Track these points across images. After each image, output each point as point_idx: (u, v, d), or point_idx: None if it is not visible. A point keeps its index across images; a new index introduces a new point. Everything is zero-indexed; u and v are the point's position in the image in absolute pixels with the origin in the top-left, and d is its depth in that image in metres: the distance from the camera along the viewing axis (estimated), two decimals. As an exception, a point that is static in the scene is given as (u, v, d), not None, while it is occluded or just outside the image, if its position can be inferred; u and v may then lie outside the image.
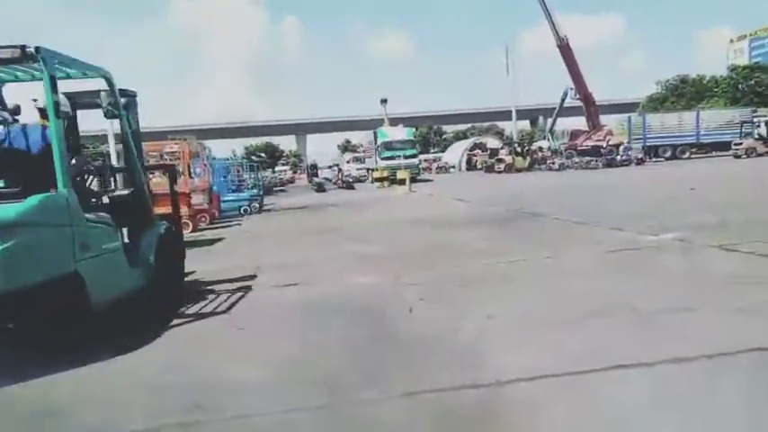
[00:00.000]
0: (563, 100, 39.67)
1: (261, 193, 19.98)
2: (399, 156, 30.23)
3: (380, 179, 26.74)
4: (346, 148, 79.38)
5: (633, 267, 5.14)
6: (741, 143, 29.54)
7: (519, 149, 36.04)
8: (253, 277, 5.93)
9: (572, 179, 22.15)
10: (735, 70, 56.33)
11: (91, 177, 4.71)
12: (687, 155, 34.47)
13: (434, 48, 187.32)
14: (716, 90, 55.08)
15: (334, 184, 33.90)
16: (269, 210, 18.28)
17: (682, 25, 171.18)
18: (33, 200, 3.44)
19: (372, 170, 31.85)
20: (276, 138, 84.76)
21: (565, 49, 36.55)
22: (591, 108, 37.87)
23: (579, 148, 35.84)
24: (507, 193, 16.25)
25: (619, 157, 31.58)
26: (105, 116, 4.75)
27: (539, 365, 2.81)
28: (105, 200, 4.57)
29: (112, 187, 5.15)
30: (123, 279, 4.23)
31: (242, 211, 16.53)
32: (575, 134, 39.60)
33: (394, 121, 38.67)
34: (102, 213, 4.20)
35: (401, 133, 32.84)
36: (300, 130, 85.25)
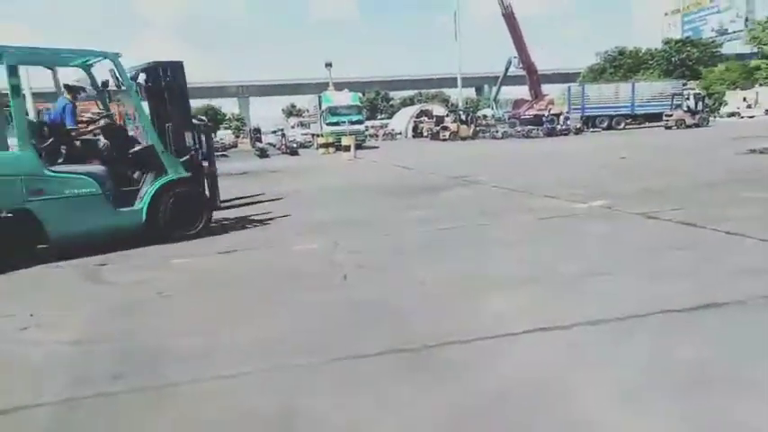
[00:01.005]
0: (507, 69, 40.04)
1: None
2: (345, 121, 29.79)
3: (325, 145, 26.37)
4: (291, 112, 77.66)
5: (561, 234, 5.34)
6: (671, 115, 30.95)
7: (464, 118, 36.32)
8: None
9: (513, 147, 22.62)
10: (668, 43, 58.67)
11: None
12: (622, 125, 35.87)
13: (381, 11, 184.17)
14: (651, 62, 57.26)
15: (278, 149, 33.18)
16: (208, 175, 17.69)
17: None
18: None
19: (317, 136, 31.32)
20: (218, 100, 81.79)
21: (509, 18, 36.72)
22: (533, 77, 38.47)
23: (522, 117, 36.49)
24: (450, 161, 16.42)
25: (559, 127, 32.43)
26: (118, 88, 5.91)
27: (465, 330, 2.88)
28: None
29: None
30: (101, 218, 5.47)
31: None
32: (518, 103, 40.27)
33: (339, 86, 37.97)
34: (93, 168, 5.61)
35: (346, 98, 32.28)
36: (243, 92, 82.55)
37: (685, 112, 30.91)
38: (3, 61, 5.10)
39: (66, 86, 6.46)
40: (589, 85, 42.22)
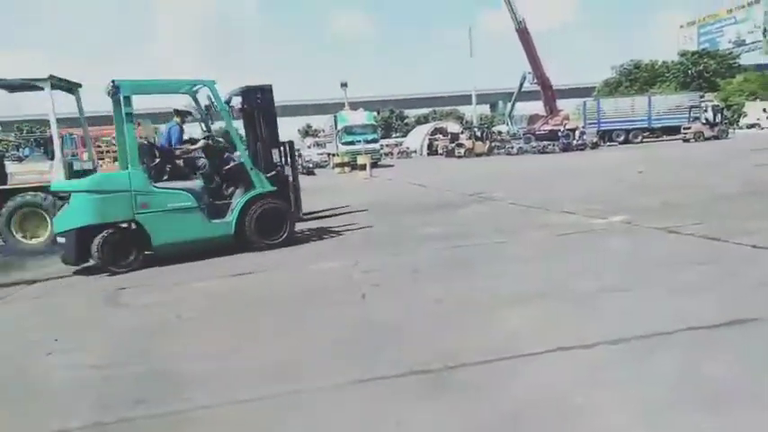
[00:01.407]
0: (521, 84, 40.17)
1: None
2: (360, 140, 30.01)
3: (341, 164, 26.52)
4: (307, 132, 78.46)
5: (580, 250, 5.27)
6: (690, 127, 30.64)
7: (479, 134, 36.38)
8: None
9: (529, 163, 22.54)
10: (684, 56, 58.30)
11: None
12: (639, 139, 35.56)
13: (395, 32, 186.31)
14: (667, 75, 56.92)
15: (295, 169, 33.45)
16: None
17: (636, 10, 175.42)
18: (104, 176, 6.25)
19: (333, 155, 31.55)
20: (236, 122, 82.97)
21: (523, 33, 36.93)
22: (548, 92, 38.51)
23: (537, 132, 36.41)
24: (465, 178, 16.40)
25: (575, 142, 32.26)
26: (215, 111, 6.73)
27: (485, 349, 2.85)
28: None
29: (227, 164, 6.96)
30: (197, 229, 6.19)
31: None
32: (533, 118, 40.33)
33: (355, 106, 38.35)
34: (190, 183, 6.40)
35: (361, 117, 32.56)
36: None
37: (703, 124, 30.58)
38: (120, 92, 5.98)
39: (176, 111, 7.30)
40: (604, 99, 42.09)
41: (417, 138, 54.16)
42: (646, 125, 36.02)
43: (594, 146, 32.41)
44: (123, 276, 5.75)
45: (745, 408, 2.11)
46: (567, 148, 31.25)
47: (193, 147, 7.11)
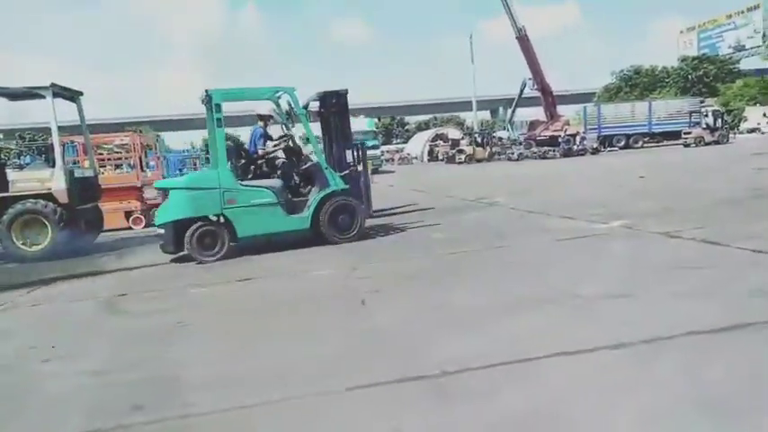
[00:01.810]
0: (522, 90, 40.24)
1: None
2: (361, 147, 30.03)
3: (342, 171, 26.55)
4: (308, 139, 78.56)
5: (581, 255, 5.25)
6: (690, 132, 30.67)
7: (479, 140, 36.41)
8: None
9: (529, 169, 22.54)
10: (684, 61, 58.48)
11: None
12: (640, 144, 35.58)
13: (396, 38, 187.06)
14: (667, 80, 57.06)
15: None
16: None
17: (635, 15, 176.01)
18: (198, 174, 6.71)
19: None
20: (238, 129, 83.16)
21: (523, 41, 37.05)
22: (549, 98, 38.56)
23: (538, 138, 36.48)
24: (466, 184, 16.42)
25: (575, 147, 32.28)
26: (288, 116, 7.29)
27: (484, 354, 2.83)
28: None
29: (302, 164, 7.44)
30: (277, 223, 6.71)
31: (198, 205, 16.19)
32: (533, 124, 40.33)
33: (355, 113, 38.37)
34: (271, 182, 6.92)
35: (362, 124, 32.58)
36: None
37: (704, 129, 30.60)
38: (211, 100, 6.61)
39: (259, 115, 7.77)
40: (605, 104, 42.15)
41: (418, 144, 54.22)
42: (646, 130, 36.04)
43: (595, 151, 32.42)
44: (124, 281, 5.75)
45: (745, 414, 2.09)
46: (567, 154, 31.27)
47: (274, 148, 7.57)
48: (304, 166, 7.35)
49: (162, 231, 6.64)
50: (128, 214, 11.69)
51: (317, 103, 7.62)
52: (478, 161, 33.34)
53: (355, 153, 7.67)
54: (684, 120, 33.12)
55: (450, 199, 11.86)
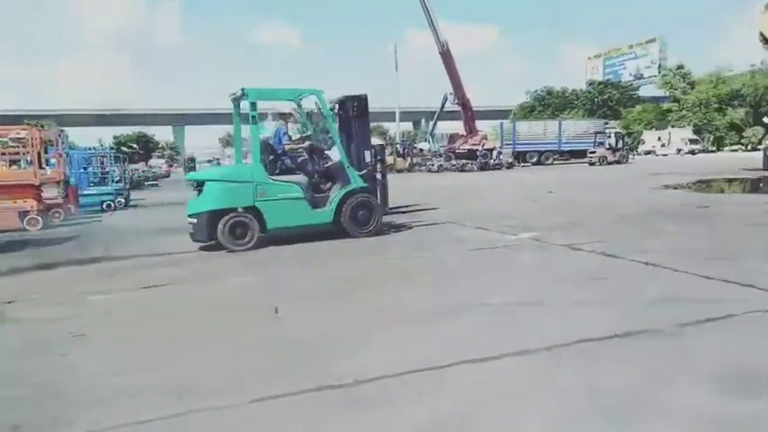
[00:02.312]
0: (443, 104, 41.33)
1: (127, 187, 18.50)
2: (283, 152, 29.55)
3: (262, 175, 25.97)
4: (228, 141, 76.39)
5: (491, 265, 5.46)
6: (595, 152, 32.87)
7: (400, 150, 36.96)
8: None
9: (448, 180, 23.19)
10: (591, 85, 62.85)
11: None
12: (551, 161, 37.68)
13: (321, 43, 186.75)
14: (576, 102, 60.97)
15: (214, 179, 32.38)
16: (136, 206, 16.99)
17: (550, 39, 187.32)
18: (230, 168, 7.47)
19: (254, 165, 30.81)
20: (152, 128, 79.22)
21: (445, 56, 38.08)
22: (468, 113, 39.86)
23: (457, 150, 37.59)
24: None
25: (492, 161, 33.62)
26: (310, 117, 8.12)
27: (394, 363, 2.84)
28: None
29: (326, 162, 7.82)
30: (303, 216, 7.11)
31: (104, 207, 15.19)
32: (453, 137, 41.48)
33: (278, 117, 37.73)
34: (297, 177, 7.28)
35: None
36: (178, 120, 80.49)
37: (607, 149, 32.91)
38: (246, 98, 6.92)
39: (279, 114, 8.16)
40: (520, 122, 44.30)
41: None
42: (556, 148, 38.26)
43: (510, 166, 33.93)
44: (14, 286, 5.26)
45: (637, 416, 2.23)
46: (484, 167, 32.49)
47: (298, 146, 7.84)
48: (326, 165, 7.75)
49: (194, 221, 6.92)
50: (22, 214, 10.75)
51: (336, 106, 7.97)
52: (399, 171, 33.84)
53: (373, 154, 8.00)
54: (590, 140, 35.46)
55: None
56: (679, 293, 3.96)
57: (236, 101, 7.20)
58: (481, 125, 43.90)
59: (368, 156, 7.79)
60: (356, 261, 5.97)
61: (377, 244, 7.00)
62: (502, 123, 41.40)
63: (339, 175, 7.50)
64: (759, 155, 21.41)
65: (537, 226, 7.59)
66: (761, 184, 14.44)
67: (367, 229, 7.41)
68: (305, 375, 2.74)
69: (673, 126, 50.58)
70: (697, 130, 49.59)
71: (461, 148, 37.70)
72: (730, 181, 15.41)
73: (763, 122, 41.83)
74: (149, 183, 35.81)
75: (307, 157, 7.73)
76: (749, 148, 44.95)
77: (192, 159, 44.57)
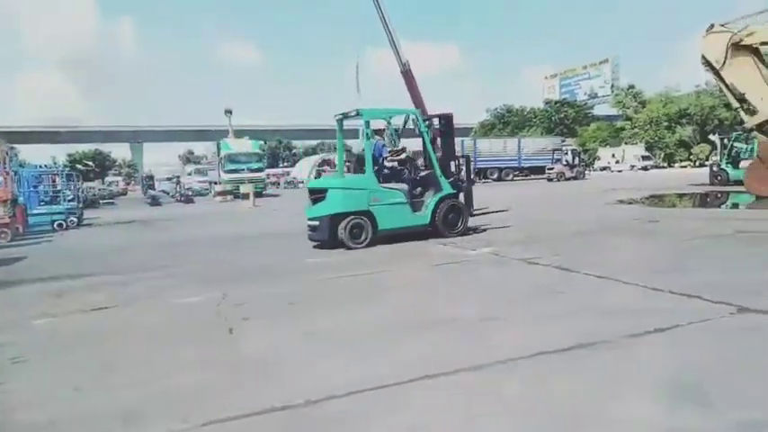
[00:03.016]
0: (405, 122, 41.70)
1: (80, 205, 17.86)
2: (244, 169, 29.24)
3: (223, 193, 25.60)
4: (188, 159, 75.15)
5: (452, 280, 5.49)
6: (553, 168, 33.70)
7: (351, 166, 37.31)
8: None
9: (412, 197, 23.32)
10: (549, 104, 64.71)
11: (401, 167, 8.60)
12: (510, 177, 38.45)
13: (285, 62, 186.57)
14: (534, 120, 62.55)
15: (173, 197, 31.76)
16: (90, 224, 16.43)
17: (509, 59, 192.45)
18: (350, 177, 8.17)
19: (215, 183, 30.38)
20: (109, 145, 77.09)
21: (407, 75, 38.49)
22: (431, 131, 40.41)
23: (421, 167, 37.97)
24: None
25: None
26: (397, 132, 9.21)
27: (351, 382, 2.81)
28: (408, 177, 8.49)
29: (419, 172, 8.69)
30: (405, 219, 8.12)
31: (56, 226, 14.63)
32: (416, 154, 41.92)
33: (240, 134, 37.46)
34: (400, 185, 8.24)
35: (246, 146, 31.85)
36: (136, 138, 78.64)
37: (565, 165, 33.79)
38: (361, 117, 8.09)
39: (375, 131, 8.69)
40: (480, 139, 45.11)
41: (305, 168, 53.92)
42: (516, 164, 39.09)
43: (472, 182, 34.37)
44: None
45: (588, 427, 2.26)
46: (447, 184, 32.85)
47: (397, 158, 8.66)
48: (421, 174, 8.62)
49: (315, 224, 8.00)
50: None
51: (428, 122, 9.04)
52: None
53: (458, 164, 9.05)
54: (548, 157, 36.37)
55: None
56: (629, 305, 4.06)
57: (342, 120, 8.41)
58: (443, 142, 44.50)
59: (452, 165, 8.80)
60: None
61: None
62: (463, 141, 41.95)
63: (432, 183, 8.45)
64: (706, 171, 22.43)
65: (496, 241, 7.70)
66: (708, 199, 15.08)
67: (456, 229, 8.37)
68: (260, 397, 2.68)
69: (626, 143, 52.43)
70: (649, 147, 51.53)
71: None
72: (681, 196, 16.04)
73: (709, 140, 43.85)
74: (105, 201, 34.76)
75: (404, 167, 8.66)
76: (697, 164, 46.93)
77: (151, 177, 43.61)
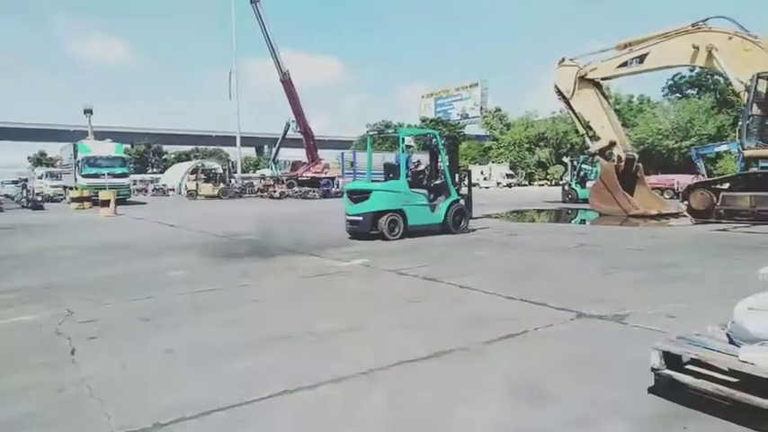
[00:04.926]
0: (285, 131, 41.19)
1: None
2: (105, 174, 26.82)
3: (79, 199, 23.21)
4: (40, 161, 67.50)
5: (321, 291, 5.46)
6: (428, 183, 35.33)
7: (205, 177, 36.59)
8: None
9: (288, 207, 22.99)
10: (425, 121, 67.80)
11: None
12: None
13: (157, 63, 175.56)
14: (411, 137, 65.05)
15: (18, 202, 28.28)
16: None
17: (388, 76, 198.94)
18: (389, 182, 9.90)
19: (70, 188, 27.51)
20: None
21: (287, 84, 38.16)
22: (310, 141, 40.18)
23: (300, 178, 37.61)
24: (221, 218, 15.88)
25: (334, 189, 34.23)
26: (435, 150, 10.72)
27: (207, 400, 2.65)
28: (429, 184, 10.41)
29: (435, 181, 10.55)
30: (426, 218, 9.96)
31: None
32: (296, 165, 41.45)
33: (102, 136, 34.46)
34: (422, 190, 10.11)
35: (109, 149, 29.30)
36: (-25, 134, 69.10)
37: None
38: (399, 134, 11.18)
39: (407, 146, 9.89)
40: (360, 152, 45.91)
41: (176, 175, 50.95)
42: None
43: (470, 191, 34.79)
44: None
45: None
46: (326, 195, 32.95)
47: (419, 168, 10.86)
48: (436, 182, 10.35)
49: (357, 219, 9.54)
50: None
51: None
52: (209, 197, 33.30)
53: (461, 176, 11.33)
54: (425, 172, 38.08)
55: (204, 234, 11.30)
56: (486, 313, 4.33)
57: (375, 135, 10.33)
58: (324, 154, 44.57)
59: (456, 176, 10.83)
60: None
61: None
62: (343, 153, 42.51)
63: (444, 190, 10.26)
64: (560, 189, 24.88)
65: (368, 252, 7.83)
66: (561, 214, 16.74)
67: (460, 228, 10.24)
68: (108, 420, 2.43)
69: (493, 162, 56.59)
70: (513, 166, 56.08)
71: (304, 175, 37.83)
72: (539, 212, 17.57)
73: (562, 161, 48.73)
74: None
75: (422, 176, 10.54)
76: (553, 183, 51.95)
77: (-8, 179, 38.51)
